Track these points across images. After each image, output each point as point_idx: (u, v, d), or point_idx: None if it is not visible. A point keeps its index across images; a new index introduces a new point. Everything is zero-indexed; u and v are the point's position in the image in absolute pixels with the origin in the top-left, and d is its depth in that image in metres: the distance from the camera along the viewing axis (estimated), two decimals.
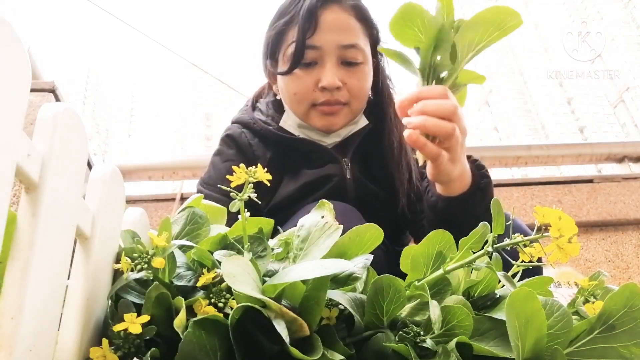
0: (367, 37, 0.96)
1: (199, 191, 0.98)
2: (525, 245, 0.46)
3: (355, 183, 0.94)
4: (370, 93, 1.00)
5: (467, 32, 0.64)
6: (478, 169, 0.78)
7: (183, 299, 0.42)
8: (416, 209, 0.99)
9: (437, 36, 0.64)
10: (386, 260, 0.81)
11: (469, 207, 0.75)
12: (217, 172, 0.99)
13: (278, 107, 1.02)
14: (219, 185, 0.90)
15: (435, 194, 0.79)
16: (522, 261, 0.49)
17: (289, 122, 0.98)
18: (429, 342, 0.43)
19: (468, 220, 0.62)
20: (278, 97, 1.02)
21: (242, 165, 0.51)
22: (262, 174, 0.50)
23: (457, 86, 0.70)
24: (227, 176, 0.50)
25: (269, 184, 0.53)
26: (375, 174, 0.98)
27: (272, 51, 0.97)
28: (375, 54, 0.99)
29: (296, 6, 0.93)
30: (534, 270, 0.64)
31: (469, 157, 0.78)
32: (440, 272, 0.49)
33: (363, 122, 0.99)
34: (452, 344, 0.42)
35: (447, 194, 0.76)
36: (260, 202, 0.52)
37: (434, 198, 0.79)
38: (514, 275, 0.53)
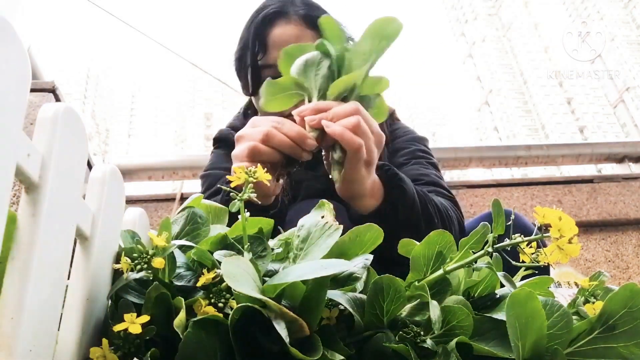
0: None
1: (201, 176, 1.04)
2: (527, 244, 0.46)
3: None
4: None
5: (358, 46, 0.69)
6: (389, 180, 0.75)
7: (183, 299, 0.42)
8: None
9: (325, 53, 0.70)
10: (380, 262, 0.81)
11: (389, 220, 0.70)
12: (217, 157, 1.05)
13: None
14: (219, 185, 0.91)
15: (354, 215, 0.76)
16: (522, 261, 0.49)
17: None
18: (429, 342, 0.43)
19: (397, 228, 0.64)
20: None
21: (242, 165, 0.51)
22: (262, 174, 0.50)
23: (366, 99, 0.72)
24: (228, 176, 0.50)
25: (269, 184, 0.53)
26: None
27: (239, 75, 1.03)
28: None
29: (247, 31, 0.98)
30: (537, 270, 0.64)
31: (382, 167, 0.76)
32: (440, 272, 0.49)
33: None
34: (452, 344, 0.42)
35: (362, 212, 0.74)
36: (260, 203, 0.52)
37: (355, 217, 0.77)
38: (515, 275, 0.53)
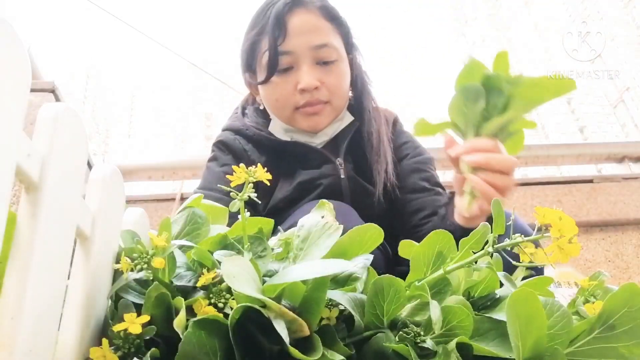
0: (339, 35, 0.99)
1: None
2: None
3: (350, 182, 0.95)
4: (350, 89, 1.02)
5: (526, 90, 0.68)
6: None
7: (183, 299, 0.42)
8: (392, 199, 0.99)
9: (492, 86, 0.68)
10: (384, 262, 0.81)
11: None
12: (214, 175, 0.99)
13: (264, 116, 1.04)
14: (218, 185, 0.90)
15: (454, 224, 0.78)
16: (523, 261, 0.49)
17: (277, 128, 1.00)
18: (429, 342, 0.43)
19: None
20: (261, 107, 1.04)
21: (242, 165, 0.51)
22: (262, 173, 0.50)
23: (509, 133, 0.72)
24: (228, 176, 0.50)
25: (269, 184, 0.53)
26: (363, 170, 0.99)
27: (248, 63, 1.00)
28: (349, 50, 1.02)
29: (265, 16, 0.95)
30: (534, 270, 0.64)
31: None
32: (440, 272, 0.48)
33: (348, 118, 1.01)
34: (452, 344, 0.42)
35: (469, 226, 0.75)
36: (260, 202, 0.52)
37: (451, 227, 0.78)
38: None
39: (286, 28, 0.93)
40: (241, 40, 1.02)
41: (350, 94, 1.04)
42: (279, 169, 0.95)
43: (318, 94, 0.94)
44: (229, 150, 1.01)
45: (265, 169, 0.51)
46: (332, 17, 0.98)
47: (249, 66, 1.00)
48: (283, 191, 0.94)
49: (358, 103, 1.03)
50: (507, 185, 0.68)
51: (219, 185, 0.91)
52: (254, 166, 0.51)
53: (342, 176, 0.95)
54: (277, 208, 0.93)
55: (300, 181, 0.94)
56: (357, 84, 1.04)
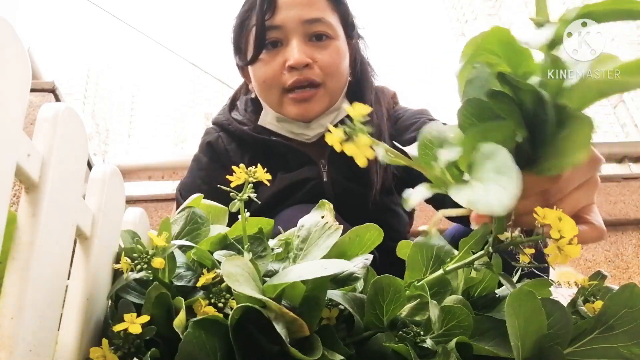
0: (336, 14, 0.91)
1: (176, 196, 0.96)
2: (525, 246, 0.46)
3: (334, 184, 0.89)
4: (349, 76, 0.94)
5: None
6: None
7: (183, 299, 0.42)
8: (394, 200, 0.94)
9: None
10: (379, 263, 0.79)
11: None
12: (191, 180, 0.96)
13: (256, 106, 0.98)
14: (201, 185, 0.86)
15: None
16: (522, 262, 0.49)
17: (268, 119, 0.94)
18: (429, 342, 0.43)
19: None
20: (253, 96, 0.98)
21: (241, 165, 0.51)
22: (262, 174, 0.50)
23: None
24: (228, 176, 0.50)
25: (268, 184, 0.53)
26: (354, 170, 0.89)
27: (238, 43, 0.94)
28: (349, 32, 0.94)
29: None
30: (539, 271, 0.64)
31: None
32: (440, 272, 0.48)
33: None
34: (452, 344, 0.42)
35: None
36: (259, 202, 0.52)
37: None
38: (513, 276, 0.53)
39: (276, 1, 0.86)
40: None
41: (349, 78, 0.95)
42: (265, 168, 0.92)
43: (308, 73, 0.86)
44: (210, 151, 0.96)
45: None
46: None
47: (238, 46, 0.94)
48: (265, 193, 0.87)
49: (357, 92, 0.95)
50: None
51: (196, 187, 0.90)
52: (253, 167, 0.51)
53: (325, 179, 0.89)
54: (259, 209, 0.88)
55: (283, 185, 0.88)
56: (357, 71, 0.96)
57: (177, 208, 0.92)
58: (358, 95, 0.95)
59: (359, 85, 0.97)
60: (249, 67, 0.92)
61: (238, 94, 1.06)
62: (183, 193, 0.95)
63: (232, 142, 0.96)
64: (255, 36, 0.86)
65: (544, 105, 0.39)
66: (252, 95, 0.99)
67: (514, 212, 0.45)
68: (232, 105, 1.03)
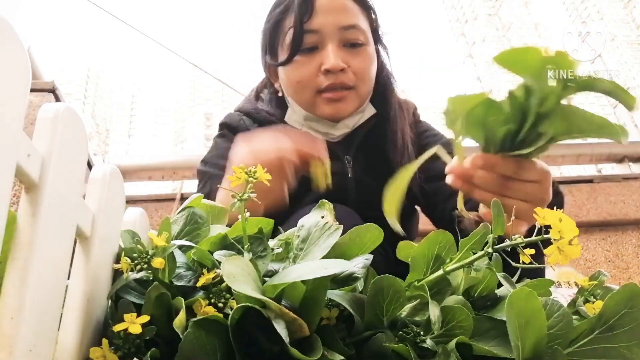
0: (367, 20, 0.94)
1: (198, 170, 0.98)
2: (525, 246, 0.46)
3: (357, 182, 0.92)
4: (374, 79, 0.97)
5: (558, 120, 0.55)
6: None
7: (183, 299, 0.42)
8: (419, 202, 0.96)
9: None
10: (385, 267, 0.79)
11: None
12: (218, 150, 0.97)
13: (281, 104, 1.00)
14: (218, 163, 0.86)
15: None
16: (523, 262, 0.49)
17: (294, 117, 0.96)
18: (429, 342, 0.43)
19: None
20: (280, 95, 1.00)
21: (242, 165, 0.51)
22: (262, 174, 0.50)
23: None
24: (228, 176, 0.50)
25: (268, 184, 0.53)
26: (379, 170, 0.93)
27: (271, 43, 0.95)
28: (376, 39, 0.97)
29: None
30: (535, 272, 0.63)
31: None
32: (440, 272, 0.48)
33: (370, 111, 0.97)
34: (452, 344, 0.42)
35: None
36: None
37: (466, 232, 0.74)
38: (513, 275, 0.53)
39: (313, 5, 0.88)
40: (263, 21, 0.98)
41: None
42: None
43: (343, 77, 0.89)
44: (235, 130, 0.98)
45: None
46: (361, 0, 0.94)
47: (271, 47, 0.95)
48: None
49: (381, 97, 0.98)
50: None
51: (220, 162, 0.91)
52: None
53: (350, 175, 0.92)
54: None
55: (304, 177, 0.88)
56: (382, 77, 0.99)
57: (199, 183, 0.95)
58: (382, 99, 0.98)
59: (384, 90, 1.00)
60: (280, 67, 0.94)
61: (263, 86, 1.07)
62: (205, 165, 0.96)
63: (255, 124, 0.97)
64: (293, 38, 0.89)
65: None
66: (279, 94, 1.00)
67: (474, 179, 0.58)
68: (257, 96, 1.05)
